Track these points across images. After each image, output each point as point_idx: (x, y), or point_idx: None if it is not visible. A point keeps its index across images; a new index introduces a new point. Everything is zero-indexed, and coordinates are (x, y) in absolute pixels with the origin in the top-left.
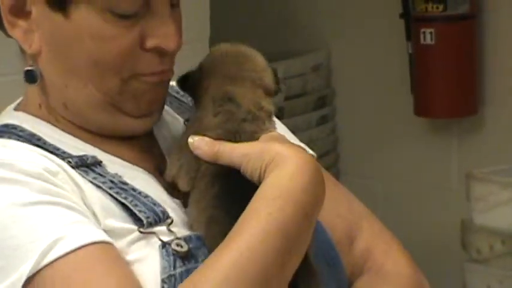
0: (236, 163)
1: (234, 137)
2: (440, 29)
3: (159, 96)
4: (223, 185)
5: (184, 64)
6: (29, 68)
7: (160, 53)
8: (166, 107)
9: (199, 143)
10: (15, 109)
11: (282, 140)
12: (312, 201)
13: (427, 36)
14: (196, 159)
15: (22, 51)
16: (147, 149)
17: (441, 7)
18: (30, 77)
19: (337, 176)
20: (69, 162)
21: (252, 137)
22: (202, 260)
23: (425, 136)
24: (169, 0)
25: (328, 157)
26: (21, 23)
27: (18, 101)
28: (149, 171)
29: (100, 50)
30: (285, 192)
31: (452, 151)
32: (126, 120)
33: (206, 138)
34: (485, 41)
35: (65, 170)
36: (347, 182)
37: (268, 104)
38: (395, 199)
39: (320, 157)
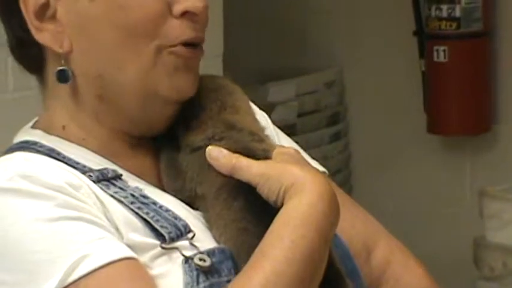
0: (252, 181)
1: (249, 153)
2: (454, 46)
3: (191, 81)
4: (247, 198)
5: None
6: (62, 67)
7: (190, 18)
8: None
9: (218, 154)
10: (33, 127)
11: (298, 159)
12: (330, 226)
13: (441, 53)
14: (202, 172)
15: (39, 58)
16: (156, 161)
17: (454, 25)
18: (63, 76)
19: (349, 192)
20: (90, 176)
21: (266, 155)
22: (226, 275)
23: (439, 153)
24: None
25: (341, 174)
26: (48, 25)
27: (34, 119)
28: (162, 187)
29: (130, 18)
30: (307, 219)
31: (466, 169)
32: (161, 104)
33: (224, 150)
34: (498, 59)
35: (86, 184)
36: (359, 199)
37: (261, 124)
38: (408, 217)
39: (333, 174)
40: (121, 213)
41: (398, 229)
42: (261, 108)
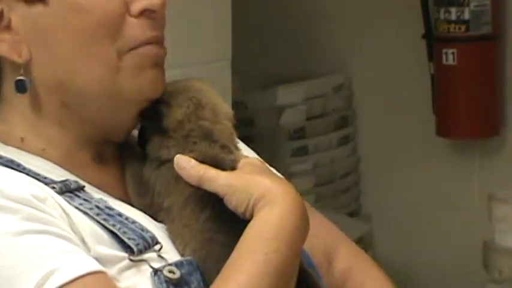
0: (220, 192)
1: (216, 165)
2: (463, 49)
3: (157, 80)
4: (214, 208)
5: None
6: (20, 77)
7: (149, 16)
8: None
9: (186, 164)
10: None
11: (265, 170)
12: (302, 238)
13: (449, 56)
14: (170, 183)
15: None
16: (120, 174)
17: (463, 27)
18: (22, 86)
19: (357, 196)
20: (53, 188)
21: (233, 165)
22: (196, 287)
23: (447, 157)
24: None
25: (349, 178)
26: (4, 36)
27: None
28: (126, 200)
29: (86, 21)
30: (279, 231)
31: (474, 172)
32: (125, 106)
33: (193, 160)
34: (507, 62)
35: (52, 196)
36: (368, 202)
37: (235, 135)
38: (416, 220)
39: (341, 177)
40: (87, 226)
41: (406, 232)
42: (269, 112)
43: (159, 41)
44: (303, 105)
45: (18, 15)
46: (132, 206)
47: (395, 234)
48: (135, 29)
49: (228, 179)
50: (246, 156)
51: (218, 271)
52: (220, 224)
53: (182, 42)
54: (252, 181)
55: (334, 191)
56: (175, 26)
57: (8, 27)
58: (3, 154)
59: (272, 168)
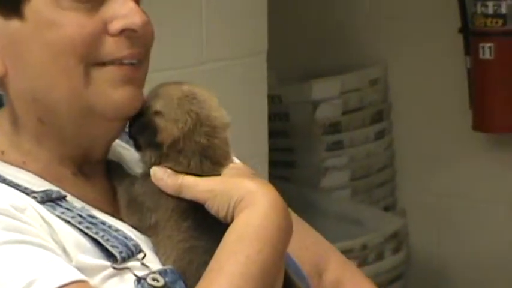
0: (200, 198)
1: (199, 172)
2: (500, 43)
3: (129, 97)
4: (196, 216)
5: (242, 78)
6: None
7: (129, 35)
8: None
9: (162, 175)
10: None
11: (247, 172)
12: (286, 237)
13: (486, 50)
14: (156, 197)
15: None
16: (106, 189)
17: (500, 22)
18: None
19: (393, 190)
20: (34, 198)
21: (213, 172)
22: None
23: (484, 151)
24: None
25: (385, 172)
26: None
27: None
28: (110, 213)
29: (60, 38)
30: (261, 233)
31: (511, 166)
32: (100, 123)
33: (169, 170)
34: None
35: (31, 206)
36: (404, 197)
37: (231, 149)
38: (453, 215)
39: (376, 172)
40: (69, 235)
41: (443, 227)
42: (304, 106)
43: (135, 58)
44: (338, 99)
45: None
46: (117, 219)
47: (430, 228)
48: (110, 47)
49: (207, 185)
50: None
51: (199, 278)
52: (201, 231)
53: (218, 37)
54: (232, 184)
55: (369, 186)
56: (212, 20)
57: None
58: None
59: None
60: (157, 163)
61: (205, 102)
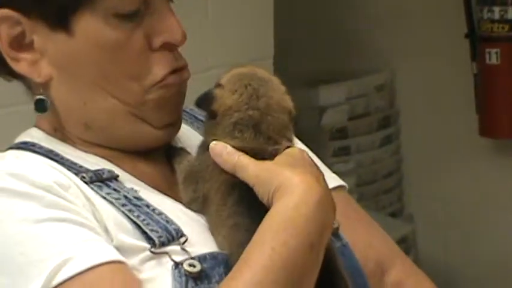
0: (249, 182)
1: (256, 152)
2: (506, 49)
3: (179, 105)
4: (242, 192)
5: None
6: (40, 97)
7: (170, 48)
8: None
9: (221, 150)
10: (36, 127)
11: (299, 160)
12: (317, 230)
13: (493, 56)
14: (210, 169)
15: (27, 84)
16: (163, 167)
17: (507, 27)
18: (41, 106)
19: (400, 196)
20: (83, 178)
21: (275, 155)
22: (217, 281)
23: (490, 156)
24: None
25: (392, 178)
26: (25, 55)
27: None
28: (165, 191)
29: (111, 59)
30: (289, 223)
31: None
32: (150, 131)
33: (229, 147)
34: None
35: (76, 184)
36: (411, 203)
37: (290, 131)
38: (460, 221)
39: (383, 177)
40: (112, 214)
41: (450, 233)
42: (311, 111)
43: (181, 69)
44: (345, 104)
45: (41, 37)
46: (170, 197)
47: (437, 234)
48: (159, 64)
49: (255, 170)
50: (293, 147)
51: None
52: (247, 208)
53: (224, 42)
54: (275, 171)
55: (376, 191)
56: (218, 26)
57: (31, 47)
58: (44, 145)
59: (327, 170)
60: (213, 133)
61: (268, 83)
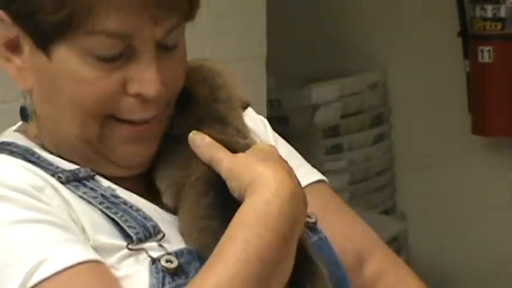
0: (223, 175)
1: (230, 147)
2: (499, 47)
3: (141, 153)
4: (217, 194)
5: (241, 82)
6: (23, 105)
7: (142, 99)
8: None
9: (200, 142)
10: (15, 130)
11: (268, 155)
12: (290, 223)
13: (485, 54)
14: (186, 167)
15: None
16: (142, 176)
17: (499, 25)
18: (24, 114)
19: (393, 194)
20: (59, 178)
21: (246, 149)
22: (193, 276)
23: (483, 155)
24: (155, 44)
25: (384, 175)
26: (16, 59)
27: (19, 123)
28: (141, 193)
29: (79, 93)
30: (262, 217)
31: (510, 170)
32: (112, 168)
33: (208, 138)
34: None
35: (51, 185)
36: (403, 201)
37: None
38: (452, 218)
39: (376, 175)
40: (88, 214)
41: (442, 231)
42: (303, 109)
43: (150, 121)
44: (337, 103)
45: (28, 48)
46: (143, 198)
47: (430, 232)
48: (127, 106)
49: (229, 163)
50: (259, 142)
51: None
52: (218, 210)
53: (217, 40)
54: (246, 166)
55: (368, 189)
56: (210, 24)
57: (21, 53)
58: (20, 143)
59: (306, 164)
60: (178, 127)
61: (222, 75)
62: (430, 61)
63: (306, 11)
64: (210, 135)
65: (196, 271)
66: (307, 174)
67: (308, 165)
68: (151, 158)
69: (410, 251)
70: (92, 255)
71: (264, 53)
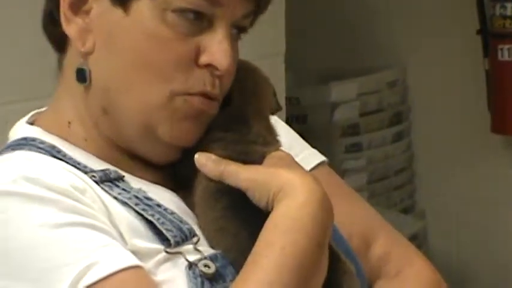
0: (242, 187)
1: (245, 157)
2: None
3: (192, 131)
4: (231, 198)
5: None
6: (81, 66)
7: (212, 72)
8: None
9: (206, 161)
10: (31, 124)
11: (288, 162)
12: (322, 228)
13: (505, 52)
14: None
15: (65, 53)
16: (169, 169)
17: None
18: (82, 76)
19: (412, 192)
20: (93, 177)
21: (263, 157)
22: (230, 280)
23: (502, 153)
24: (230, 22)
25: (404, 174)
26: (79, 20)
27: (29, 115)
28: (171, 189)
29: (154, 52)
30: (296, 224)
31: None
32: (155, 145)
33: (213, 156)
34: None
35: (91, 187)
36: (422, 199)
37: (273, 126)
38: (471, 217)
39: (395, 174)
40: (124, 218)
41: (461, 229)
42: (322, 108)
43: (212, 98)
44: (356, 101)
45: (100, 7)
46: (179, 198)
47: (449, 231)
48: (195, 78)
49: (249, 174)
50: (280, 151)
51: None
52: (236, 214)
53: None
54: (272, 174)
55: (388, 188)
56: None
57: (87, 14)
58: (46, 139)
59: (307, 146)
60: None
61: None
62: (449, 59)
63: (326, 8)
64: (217, 154)
65: (233, 275)
66: (309, 156)
67: (308, 147)
68: (197, 137)
69: (429, 249)
70: (135, 261)
71: (283, 51)
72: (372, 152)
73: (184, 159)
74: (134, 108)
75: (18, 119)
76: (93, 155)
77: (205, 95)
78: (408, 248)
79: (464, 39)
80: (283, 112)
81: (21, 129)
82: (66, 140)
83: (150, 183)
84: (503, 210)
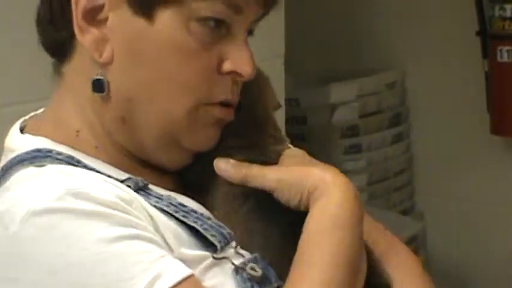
0: (270, 187)
1: (264, 158)
2: None
3: (213, 137)
4: (258, 198)
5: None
6: (98, 77)
7: (234, 79)
8: None
9: (226, 166)
10: (33, 134)
11: (309, 159)
12: (360, 224)
13: (504, 54)
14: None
15: (79, 63)
16: (176, 175)
17: None
18: (99, 86)
19: (411, 194)
20: (128, 186)
21: (278, 156)
22: (275, 281)
23: (502, 155)
24: (247, 27)
25: (403, 175)
26: (94, 30)
27: (18, 123)
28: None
29: (181, 64)
30: (338, 221)
31: None
32: (173, 153)
33: (231, 161)
34: None
35: (135, 197)
36: (422, 200)
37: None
38: (470, 219)
39: (394, 175)
40: (167, 226)
41: (460, 231)
42: (322, 109)
43: (231, 105)
44: (356, 102)
45: (118, 17)
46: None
47: (449, 232)
48: (218, 88)
49: (276, 174)
50: (289, 148)
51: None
52: (263, 214)
53: None
54: (302, 173)
55: (387, 189)
56: None
57: (103, 24)
58: (60, 150)
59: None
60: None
61: (259, 80)
62: (448, 61)
63: (325, 10)
64: (235, 159)
65: (275, 277)
66: None
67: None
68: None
69: (428, 251)
70: (190, 269)
71: (283, 52)
72: (371, 154)
73: (190, 165)
74: (156, 119)
75: (15, 121)
76: (106, 162)
77: (223, 104)
78: (394, 239)
79: (463, 41)
80: (283, 114)
81: (25, 140)
82: (75, 149)
83: (167, 190)
84: (503, 211)
